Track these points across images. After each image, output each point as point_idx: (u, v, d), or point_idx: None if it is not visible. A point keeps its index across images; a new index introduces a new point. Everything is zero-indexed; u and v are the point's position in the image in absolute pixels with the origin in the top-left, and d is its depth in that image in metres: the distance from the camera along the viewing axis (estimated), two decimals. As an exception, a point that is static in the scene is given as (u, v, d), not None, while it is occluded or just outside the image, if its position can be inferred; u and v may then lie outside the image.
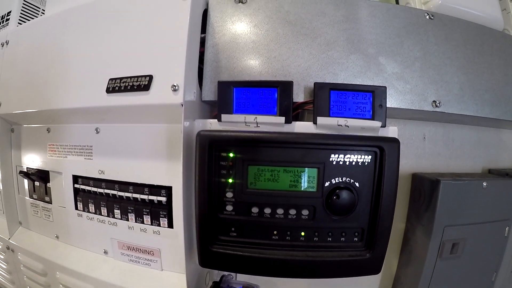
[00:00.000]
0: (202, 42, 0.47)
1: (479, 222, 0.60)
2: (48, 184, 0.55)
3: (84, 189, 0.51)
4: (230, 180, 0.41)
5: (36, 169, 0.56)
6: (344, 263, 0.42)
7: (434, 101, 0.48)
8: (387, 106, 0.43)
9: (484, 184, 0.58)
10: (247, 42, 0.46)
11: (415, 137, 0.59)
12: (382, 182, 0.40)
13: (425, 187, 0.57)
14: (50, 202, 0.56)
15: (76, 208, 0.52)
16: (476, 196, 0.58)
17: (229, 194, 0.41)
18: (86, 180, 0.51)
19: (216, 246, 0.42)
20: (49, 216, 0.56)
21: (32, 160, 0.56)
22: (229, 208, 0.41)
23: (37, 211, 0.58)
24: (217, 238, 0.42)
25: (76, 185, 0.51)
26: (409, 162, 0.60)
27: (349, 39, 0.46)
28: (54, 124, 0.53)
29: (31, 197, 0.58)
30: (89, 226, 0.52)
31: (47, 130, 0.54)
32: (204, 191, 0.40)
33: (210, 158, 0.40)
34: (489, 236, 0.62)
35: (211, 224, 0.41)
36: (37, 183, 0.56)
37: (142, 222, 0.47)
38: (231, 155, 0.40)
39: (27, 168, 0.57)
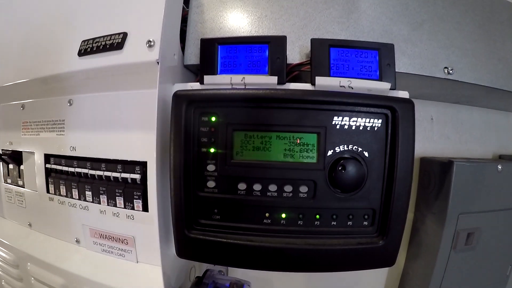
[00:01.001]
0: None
1: (495, 210, 0.48)
2: (21, 166, 0.44)
3: (56, 169, 0.40)
4: (212, 150, 0.30)
5: (10, 150, 0.45)
6: (352, 252, 0.30)
7: (446, 68, 0.38)
8: (395, 70, 0.33)
9: (499, 167, 0.46)
10: (235, 1, 0.36)
11: (422, 118, 0.48)
12: (396, 151, 0.29)
13: (436, 171, 0.45)
14: (23, 186, 0.45)
15: (48, 191, 0.41)
16: (491, 180, 0.46)
17: (211, 167, 0.30)
18: (58, 159, 0.40)
19: (195, 232, 0.30)
20: (22, 201, 0.45)
21: (6, 141, 0.46)
22: (211, 184, 0.30)
23: (11, 197, 0.47)
24: (197, 221, 0.30)
25: (47, 165, 0.41)
26: (417, 146, 0.48)
27: (349, -3, 0.36)
28: (28, 99, 0.43)
29: (5, 181, 0.47)
30: (60, 211, 0.40)
31: (22, 107, 0.44)
32: (181, 164, 0.29)
33: (188, 123, 0.29)
34: (505, 225, 0.50)
35: (189, 204, 0.30)
36: (11, 166, 0.45)
37: (115, 205, 0.36)
38: (213, 119, 0.29)
39: (2, 150, 0.46)
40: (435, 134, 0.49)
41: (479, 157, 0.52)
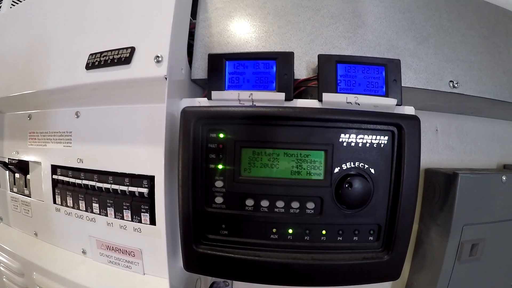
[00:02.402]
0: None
1: (499, 221, 0.49)
2: (28, 176, 0.45)
3: (63, 181, 0.41)
4: (220, 166, 0.30)
5: (16, 159, 0.46)
6: (357, 267, 0.31)
7: (451, 81, 0.38)
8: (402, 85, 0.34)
9: (504, 178, 0.47)
10: (243, 15, 0.37)
11: (427, 129, 0.49)
12: (401, 168, 0.30)
13: (441, 183, 0.46)
14: (29, 196, 0.45)
15: (54, 202, 0.42)
16: (495, 191, 0.47)
17: (219, 184, 0.30)
18: (65, 170, 0.40)
19: (203, 247, 0.31)
20: (28, 211, 0.46)
21: (13, 150, 0.47)
22: (219, 200, 0.31)
23: (17, 206, 0.47)
24: (204, 236, 0.31)
25: (54, 176, 0.41)
26: (422, 157, 0.49)
27: (355, 12, 0.37)
28: (35, 110, 0.44)
29: (11, 190, 0.48)
30: (67, 222, 0.41)
31: (29, 117, 0.44)
32: (189, 179, 0.30)
33: (196, 139, 0.30)
34: (509, 236, 0.50)
35: (197, 219, 0.30)
36: (17, 175, 0.46)
37: (122, 218, 0.36)
38: (221, 135, 0.30)
39: (8, 159, 0.47)
40: (440, 145, 0.49)
41: (483, 167, 0.52)
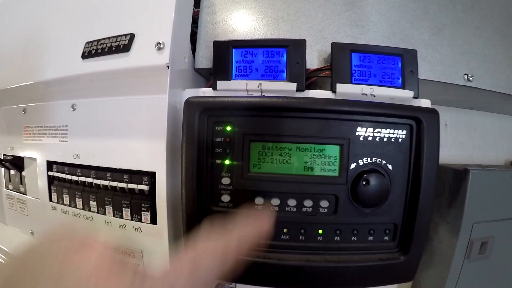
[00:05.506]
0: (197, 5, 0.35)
1: (509, 218, 0.46)
2: (23, 172, 0.41)
3: (59, 177, 0.37)
4: (227, 162, 0.27)
5: (11, 155, 0.42)
6: (372, 269, 0.28)
7: (466, 74, 0.36)
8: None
9: (513, 175, 0.44)
10: (249, 1, 0.33)
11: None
12: (421, 164, 0.27)
13: (450, 179, 0.43)
14: (25, 193, 0.42)
15: (51, 199, 0.38)
16: (505, 188, 0.44)
17: (226, 180, 0.27)
18: (61, 166, 0.37)
19: (209, 248, 0.28)
20: (24, 209, 0.42)
21: (8, 145, 0.43)
22: (226, 198, 0.27)
23: (13, 204, 0.44)
24: (210, 236, 0.28)
25: (50, 173, 0.38)
26: None
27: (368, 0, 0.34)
28: (30, 103, 0.40)
29: (7, 187, 0.44)
30: (63, 220, 0.38)
31: (23, 111, 0.41)
32: (193, 176, 0.26)
33: (201, 132, 0.27)
34: (517, 234, 0.48)
35: (201, 219, 0.27)
36: (12, 172, 0.43)
37: (121, 217, 0.33)
38: (228, 128, 0.27)
39: (3, 155, 0.43)
40: (449, 140, 0.47)
41: (491, 164, 0.50)
